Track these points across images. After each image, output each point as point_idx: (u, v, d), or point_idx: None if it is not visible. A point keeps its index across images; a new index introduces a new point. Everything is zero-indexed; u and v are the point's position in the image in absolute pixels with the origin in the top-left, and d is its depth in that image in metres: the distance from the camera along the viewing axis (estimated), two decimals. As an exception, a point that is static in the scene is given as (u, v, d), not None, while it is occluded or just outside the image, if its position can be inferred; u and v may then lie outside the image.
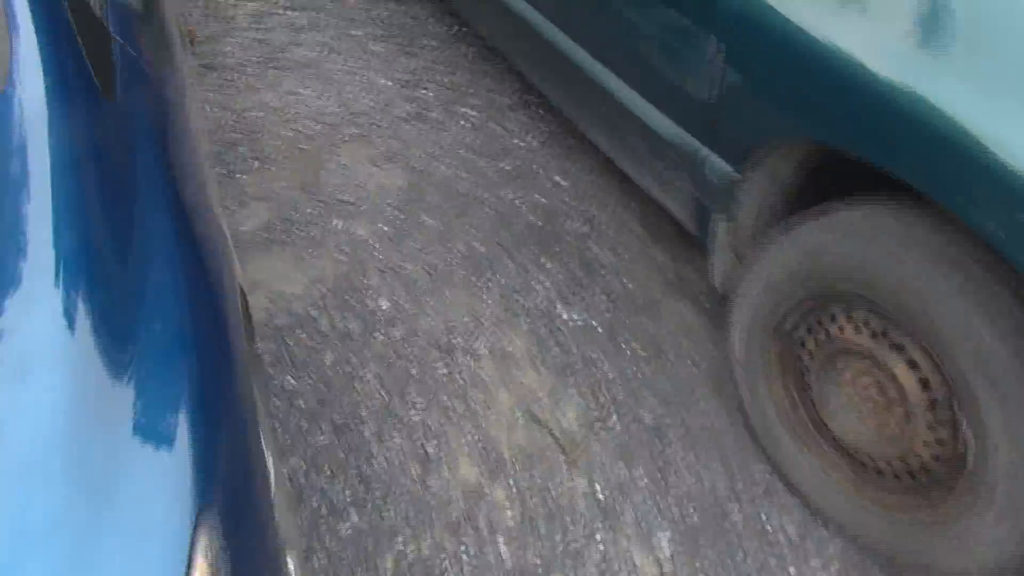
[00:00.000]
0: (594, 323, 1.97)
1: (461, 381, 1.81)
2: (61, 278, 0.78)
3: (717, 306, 1.97)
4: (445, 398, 1.78)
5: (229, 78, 2.88)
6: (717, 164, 1.54)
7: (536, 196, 2.37)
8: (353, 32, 3.14)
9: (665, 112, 1.64)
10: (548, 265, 2.14)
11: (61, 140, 0.82)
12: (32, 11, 0.93)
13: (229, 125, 2.64)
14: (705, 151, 1.56)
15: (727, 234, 1.61)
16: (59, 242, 0.79)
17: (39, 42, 0.90)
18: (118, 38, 1.12)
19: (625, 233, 2.25)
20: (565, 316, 1.99)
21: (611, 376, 1.84)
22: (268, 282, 2.06)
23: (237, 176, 2.42)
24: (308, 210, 2.30)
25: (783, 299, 1.47)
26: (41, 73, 0.87)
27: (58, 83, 0.87)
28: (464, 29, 3.12)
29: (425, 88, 2.82)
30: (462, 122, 2.66)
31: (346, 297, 2.02)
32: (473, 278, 2.10)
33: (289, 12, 3.27)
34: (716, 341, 1.92)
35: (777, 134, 1.41)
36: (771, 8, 1.33)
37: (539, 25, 2.03)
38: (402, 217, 2.29)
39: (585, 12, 1.86)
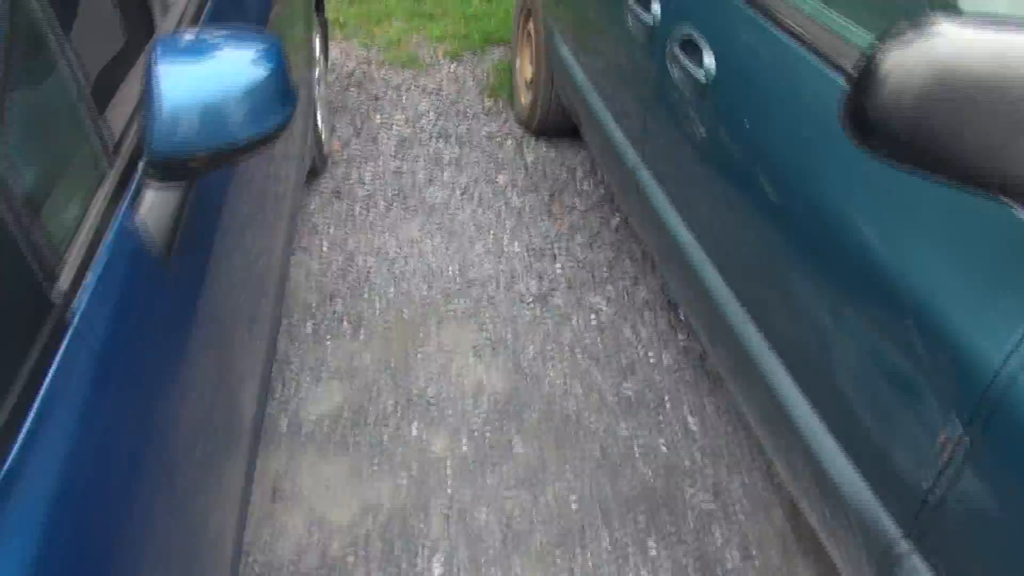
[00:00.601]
0: (698, 668, 1.47)
1: None
2: None
3: None
4: None
5: (353, 211, 2.66)
6: (920, 573, 1.03)
7: (657, 440, 1.91)
8: (497, 177, 2.86)
9: (855, 465, 1.16)
10: (654, 551, 1.67)
11: None
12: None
13: (335, 271, 2.39)
14: (904, 547, 1.06)
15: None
16: None
17: None
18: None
19: (763, 523, 1.74)
20: (661, 646, 1.50)
21: None
22: (313, 499, 1.72)
23: (323, 340, 2.14)
24: (387, 402, 1.97)
25: None
26: None
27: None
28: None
29: (557, 262, 2.46)
30: (589, 315, 2.27)
31: (394, 545, 1.64)
32: (555, 550, 1.66)
33: (438, 143, 3.05)
34: None
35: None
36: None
37: (700, 266, 1.61)
38: (490, 435, 1.90)
39: (764, 281, 1.41)
